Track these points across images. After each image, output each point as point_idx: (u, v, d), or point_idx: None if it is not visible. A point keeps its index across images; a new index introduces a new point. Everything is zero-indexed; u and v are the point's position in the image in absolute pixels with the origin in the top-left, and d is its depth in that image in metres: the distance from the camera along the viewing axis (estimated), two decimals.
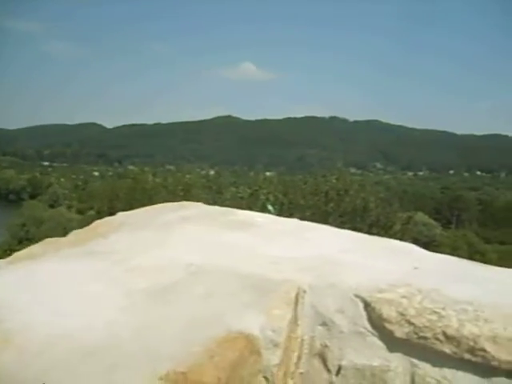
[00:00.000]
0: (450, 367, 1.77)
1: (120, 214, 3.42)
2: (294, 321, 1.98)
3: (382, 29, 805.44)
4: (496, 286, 2.15)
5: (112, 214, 3.88)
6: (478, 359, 1.72)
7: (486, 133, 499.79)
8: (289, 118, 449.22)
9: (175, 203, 3.81)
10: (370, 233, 13.02)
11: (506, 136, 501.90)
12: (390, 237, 13.37)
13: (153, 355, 1.64)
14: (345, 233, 3.30)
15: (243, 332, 1.77)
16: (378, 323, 1.90)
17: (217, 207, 3.80)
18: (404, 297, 1.94)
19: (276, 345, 1.83)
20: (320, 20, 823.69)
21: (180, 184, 28.07)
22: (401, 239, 11.81)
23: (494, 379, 1.71)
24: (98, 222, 3.25)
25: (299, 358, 1.99)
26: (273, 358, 1.82)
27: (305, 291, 2.07)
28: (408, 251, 2.90)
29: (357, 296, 2.00)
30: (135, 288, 2.08)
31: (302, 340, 2.01)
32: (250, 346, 1.74)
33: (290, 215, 20.68)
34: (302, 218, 13.09)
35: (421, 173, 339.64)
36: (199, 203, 3.84)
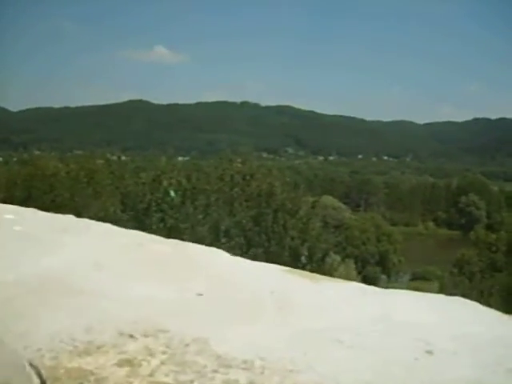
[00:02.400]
0: None
1: None
2: None
3: (294, 14, 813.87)
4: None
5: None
6: None
7: (393, 119, 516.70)
8: (200, 103, 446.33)
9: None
10: (275, 218, 12.75)
11: (412, 122, 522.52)
12: (297, 221, 13.09)
13: None
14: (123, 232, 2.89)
15: None
16: None
17: None
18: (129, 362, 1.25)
19: None
20: (232, 4, 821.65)
21: (83, 170, 27.02)
22: (307, 223, 11.62)
23: None
24: None
25: None
26: None
27: None
28: (210, 262, 2.43)
29: (31, 365, 1.22)
30: None
31: None
32: None
33: (194, 200, 20.31)
34: (208, 204, 12.64)
35: (331, 157, 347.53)
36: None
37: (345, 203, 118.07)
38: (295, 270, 2.42)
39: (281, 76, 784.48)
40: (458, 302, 2.21)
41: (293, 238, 19.24)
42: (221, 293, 1.90)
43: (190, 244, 2.91)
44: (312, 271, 11.24)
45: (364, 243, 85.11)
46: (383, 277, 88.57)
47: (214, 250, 2.86)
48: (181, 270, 2.21)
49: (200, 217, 19.63)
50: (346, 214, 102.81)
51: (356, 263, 60.75)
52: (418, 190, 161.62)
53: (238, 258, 2.73)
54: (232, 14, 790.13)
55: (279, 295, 1.87)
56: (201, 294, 1.85)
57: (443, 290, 32.32)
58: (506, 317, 1.91)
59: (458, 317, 1.86)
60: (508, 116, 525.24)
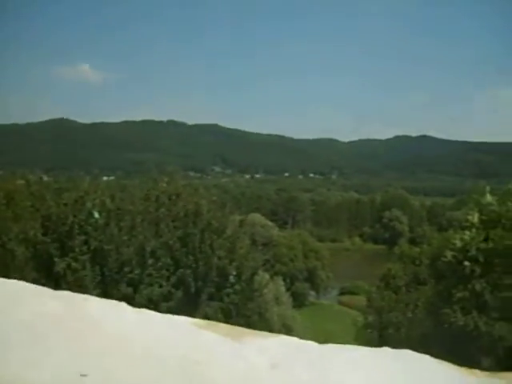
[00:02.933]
0: None
1: None
2: None
3: (216, 32, 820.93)
4: None
5: None
6: None
7: (319, 137, 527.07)
8: (126, 122, 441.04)
9: None
10: (202, 238, 12.42)
11: (337, 140, 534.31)
12: (224, 240, 12.80)
13: None
14: None
15: None
16: None
17: None
18: None
19: None
20: (158, 21, 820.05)
21: (2, 191, 25.91)
22: (234, 242, 11.36)
23: None
24: None
25: None
26: None
27: None
28: (108, 323, 2.11)
29: None
30: None
31: None
32: None
33: (119, 221, 19.76)
34: (133, 225, 12.17)
35: (258, 175, 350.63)
36: None
37: (272, 220, 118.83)
38: (213, 323, 2.16)
39: (207, 95, 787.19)
40: (408, 357, 1.98)
41: (220, 258, 19.00)
42: (112, 371, 1.55)
43: (89, 299, 2.49)
44: (241, 290, 10.98)
45: (292, 260, 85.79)
46: (312, 293, 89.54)
47: (115, 304, 2.47)
48: (68, 337, 1.83)
49: (125, 238, 19.09)
50: (274, 231, 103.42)
51: (285, 280, 60.91)
52: (343, 206, 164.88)
53: (144, 314, 2.37)
54: (159, 33, 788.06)
55: (191, 367, 1.56)
56: (85, 375, 1.51)
57: (371, 303, 32.85)
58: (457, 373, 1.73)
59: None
60: (427, 133, 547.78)
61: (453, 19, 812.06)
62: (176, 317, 2.15)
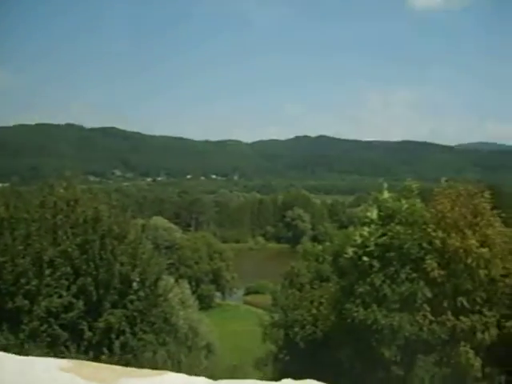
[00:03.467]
0: None
1: None
2: None
3: (115, 36, 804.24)
4: None
5: None
6: None
7: (220, 139, 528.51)
8: (21, 126, 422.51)
9: None
10: (103, 244, 11.97)
11: (239, 141, 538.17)
12: (126, 246, 12.44)
13: None
14: None
15: None
16: None
17: None
18: None
19: None
20: (54, 25, 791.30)
21: None
22: (136, 247, 11.00)
23: None
24: None
25: None
26: None
27: None
28: None
29: None
30: None
31: None
32: None
33: (13, 230, 18.77)
34: (28, 233, 11.50)
35: (159, 178, 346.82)
36: None
37: (175, 223, 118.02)
38: (84, 363, 1.88)
39: (105, 97, 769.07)
40: None
41: (122, 264, 18.45)
42: None
43: None
44: (145, 297, 10.59)
45: (197, 262, 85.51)
46: (218, 294, 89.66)
47: None
48: None
49: (20, 248, 18.16)
50: (178, 234, 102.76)
51: (190, 283, 60.56)
52: (246, 207, 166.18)
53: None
54: (55, 35, 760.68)
55: None
56: None
57: (276, 302, 33.15)
58: None
59: None
60: (326, 133, 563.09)
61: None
62: (37, 359, 1.85)
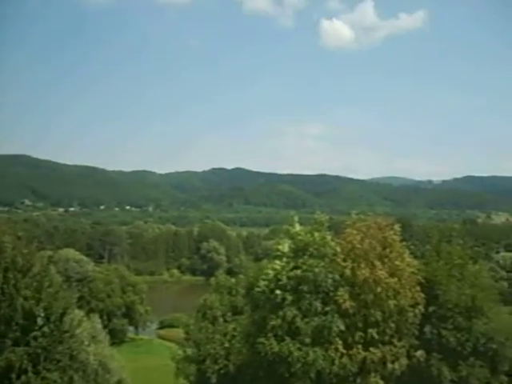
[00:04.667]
0: None
1: None
2: None
3: (30, 62, 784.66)
4: None
5: None
6: None
7: (133, 169, 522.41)
8: None
9: None
10: (5, 277, 11.18)
11: (153, 172, 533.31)
12: (30, 279, 11.69)
13: None
14: None
15: None
16: None
17: None
18: None
19: None
20: None
21: None
22: (41, 281, 10.34)
23: None
24: None
25: None
26: None
27: None
28: None
29: None
30: None
31: None
32: None
33: None
34: None
35: (72, 209, 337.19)
36: None
37: (88, 255, 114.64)
38: None
39: (16, 124, 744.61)
40: None
41: (26, 299, 17.52)
42: None
43: None
44: (50, 333, 10.00)
45: (109, 295, 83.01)
46: (131, 328, 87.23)
47: None
48: None
49: None
50: (89, 266, 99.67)
51: (102, 317, 58.56)
52: (161, 239, 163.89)
53: None
54: None
55: None
56: None
57: (189, 336, 32.56)
58: None
59: None
60: (242, 166, 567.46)
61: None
62: None
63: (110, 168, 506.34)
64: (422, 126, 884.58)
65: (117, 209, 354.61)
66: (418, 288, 22.74)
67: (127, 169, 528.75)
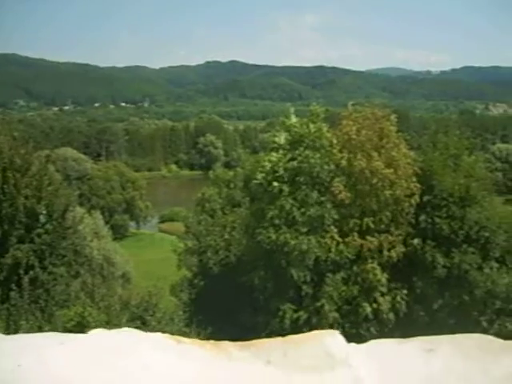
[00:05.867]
0: None
1: None
2: None
3: None
4: None
5: None
6: None
7: (126, 65, 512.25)
8: None
9: None
10: (5, 177, 11.28)
11: (146, 67, 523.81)
12: (30, 179, 11.84)
13: None
14: None
15: None
16: None
17: None
18: None
19: None
20: None
21: None
22: (41, 180, 10.51)
23: None
24: None
25: None
26: None
27: None
28: None
29: None
30: None
31: None
32: None
33: None
34: None
35: (66, 107, 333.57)
36: None
37: (85, 154, 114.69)
38: None
39: (3, 21, 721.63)
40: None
41: (27, 197, 17.78)
42: None
43: None
44: (53, 229, 10.24)
45: (109, 192, 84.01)
46: (132, 223, 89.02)
47: None
48: None
49: None
50: (88, 164, 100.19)
51: (103, 213, 59.63)
52: (157, 135, 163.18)
53: None
54: None
55: None
56: None
57: (189, 229, 33.28)
58: None
59: None
60: (238, 59, 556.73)
61: None
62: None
63: (102, 64, 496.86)
64: (421, 12, 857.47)
65: (112, 106, 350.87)
66: (414, 178, 22.95)
67: (120, 64, 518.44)
